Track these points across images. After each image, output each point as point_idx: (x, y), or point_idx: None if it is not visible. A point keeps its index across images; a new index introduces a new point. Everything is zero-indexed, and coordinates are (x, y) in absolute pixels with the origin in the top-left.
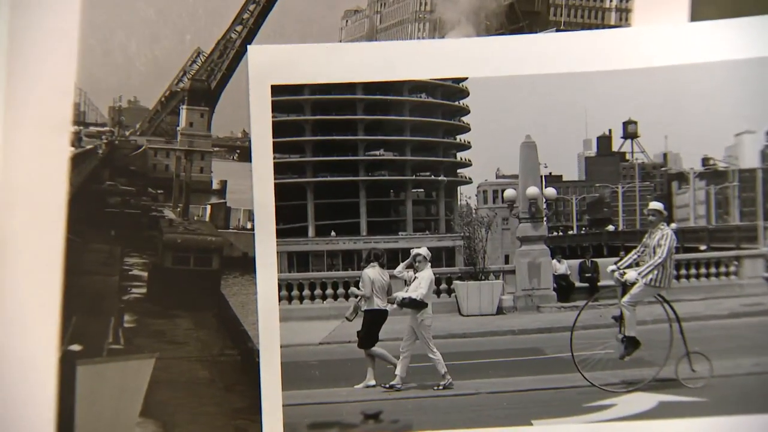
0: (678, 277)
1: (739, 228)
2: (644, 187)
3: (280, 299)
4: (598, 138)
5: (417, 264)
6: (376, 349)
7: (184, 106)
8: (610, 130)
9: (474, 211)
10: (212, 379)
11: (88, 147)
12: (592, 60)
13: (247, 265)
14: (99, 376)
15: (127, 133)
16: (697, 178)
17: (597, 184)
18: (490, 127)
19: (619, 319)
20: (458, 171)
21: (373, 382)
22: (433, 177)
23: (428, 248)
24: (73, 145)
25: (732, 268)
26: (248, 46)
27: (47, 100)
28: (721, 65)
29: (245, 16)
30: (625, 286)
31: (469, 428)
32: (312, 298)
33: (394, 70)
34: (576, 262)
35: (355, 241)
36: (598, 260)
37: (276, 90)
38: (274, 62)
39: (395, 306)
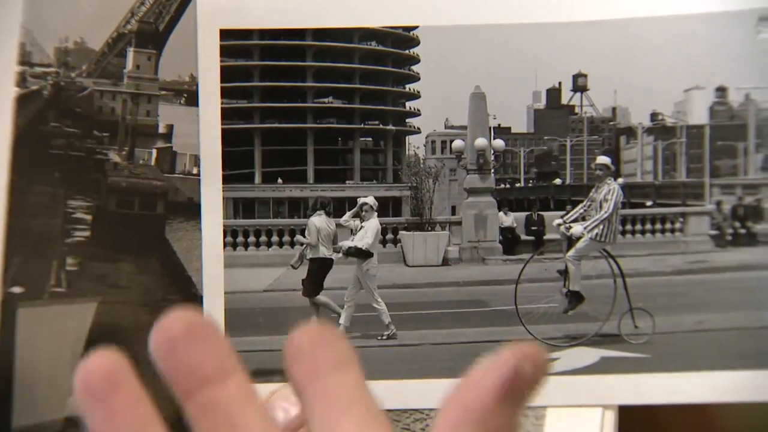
0: (624, 233)
1: (685, 185)
2: (592, 141)
3: (225, 245)
4: (548, 90)
5: (363, 213)
6: (321, 297)
7: (132, 49)
8: (559, 83)
9: (422, 161)
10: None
11: (33, 88)
12: (545, 11)
13: (192, 210)
14: (40, 319)
15: (73, 75)
16: (645, 133)
17: (545, 137)
18: (439, 77)
19: (564, 274)
20: (407, 120)
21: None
22: (381, 126)
23: (375, 198)
24: (17, 86)
25: (677, 225)
26: None
27: None
28: (672, 20)
29: None
30: (571, 241)
31: (412, 378)
32: (257, 245)
33: (345, 16)
34: (522, 215)
35: (301, 189)
36: (545, 214)
37: (225, 34)
38: (223, 6)
39: (341, 255)
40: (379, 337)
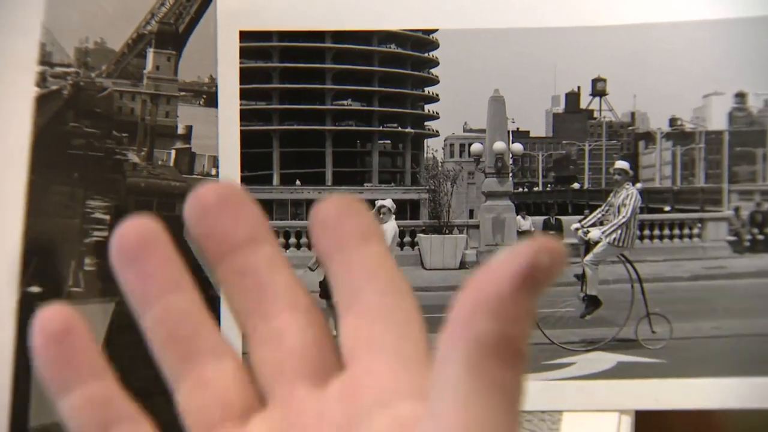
0: (641, 238)
1: (703, 190)
2: (611, 146)
3: None
4: (567, 94)
5: (381, 216)
6: None
7: (151, 49)
8: (578, 87)
9: (440, 164)
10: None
11: (53, 88)
12: (565, 15)
13: None
14: None
15: (93, 75)
16: (663, 138)
17: (564, 141)
18: (458, 80)
19: (581, 278)
20: (425, 123)
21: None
22: (400, 129)
23: (393, 200)
24: (38, 86)
25: (695, 231)
26: None
27: (13, 39)
28: (691, 25)
29: None
30: (589, 245)
31: None
32: None
33: (365, 18)
34: (540, 219)
35: (319, 191)
36: (563, 218)
37: (244, 36)
38: (243, 8)
39: None
40: None
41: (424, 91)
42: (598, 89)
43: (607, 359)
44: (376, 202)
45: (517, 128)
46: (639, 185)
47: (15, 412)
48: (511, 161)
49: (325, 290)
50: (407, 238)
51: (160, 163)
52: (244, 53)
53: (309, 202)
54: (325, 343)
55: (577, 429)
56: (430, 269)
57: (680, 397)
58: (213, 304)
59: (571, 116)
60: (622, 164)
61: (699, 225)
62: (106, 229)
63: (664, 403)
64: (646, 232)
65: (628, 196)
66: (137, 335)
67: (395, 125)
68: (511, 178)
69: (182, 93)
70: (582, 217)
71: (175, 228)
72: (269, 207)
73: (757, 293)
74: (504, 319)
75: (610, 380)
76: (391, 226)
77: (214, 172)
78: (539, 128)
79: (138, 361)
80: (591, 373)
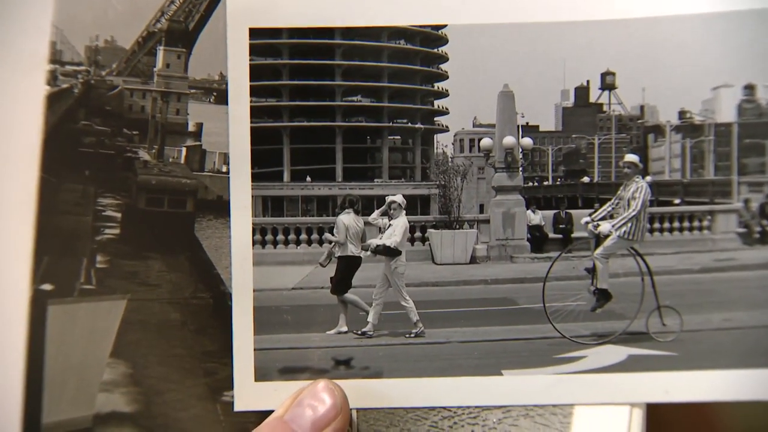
0: (651, 231)
1: (713, 182)
2: (620, 139)
3: (254, 243)
4: (576, 89)
5: (392, 211)
6: (349, 295)
7: (162, 47)
8: (588, 81)
9: (450, 159)
10: (184, 321)
11: (64, 86)
12: (573, 9)
13: (221, 208)
14: (70, 316)
15: (104, 73)
16: (673, 131)
17: (573, 135)
18: (468, 75)
19: (592, 271)
20: (435, 119)
21: (345, 329)
22: (410, 124)
23: (403, 196)
24: (48, 84)
25: (705, 223)
26: None
27: (23, 38)
28: (700, 18)
29: None
30: (599, 238)
31: (439, 376)
32: (286, 243)
33: (374, 15)
34: (550, 213)
35: (330, 187)
36: (573, 211)
37: (254, 33)
38: (252, 5)
39: (369, 253)
40: (407, 335)
41: (433, 86)
42: (608, 83)
43: (618, 352)
44: (386, 197)
45: (527, 123)
46: (649, 178)
47: (28, 409)
48: (520, 156)
49: (335, 286)
50: (418, 234)
51: (170, 160)
52: (254, 50)
53: (319, 199)
54: None
55: (589, 422)
56: (441, 264)
57: (691, 390)
58: (224, 299)
59: (581, 110)
60: (631, 157)
61: (709, 217)
62: (118, 227)
63: (675, 395)
64: (656, 225)
65: (638, 189)
66: (149, 332)
67: (405, 121)
68: (521, 173)
69: (192, 90)
70: (592, 210)
71: (186, 224)
72: (280, 203)
73: (766, 285)
74: None
75: (621, 373)
76: (402, 222)
77: (224, 169)
78: (549, 122)
79: (149, 358)
80: (602, 367)
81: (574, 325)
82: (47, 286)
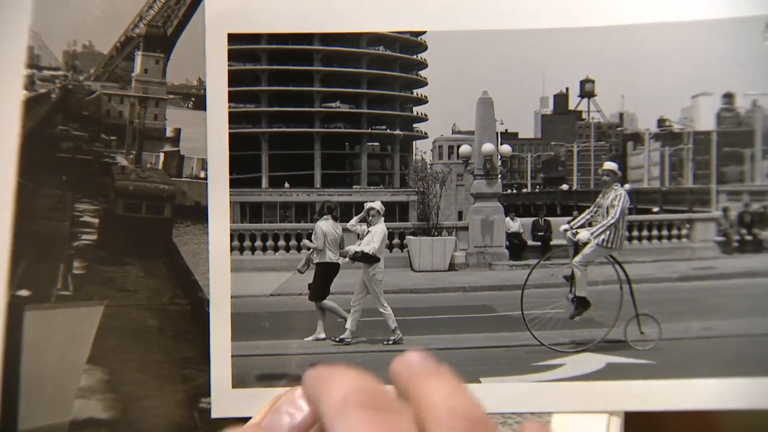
0: (630, 239)
1: (692, 191)
2: (599, 147)
3: (231, 249)
4: (555, 96)
5: (370, 218)
6: (327, 302)
7: (140, 52)
8: (567, 89)
9: (429, 166)
10: (161, 327)
11: (42, 91)
12: (552, 17)
13: (199, 214)
14: (47, 322)
15: (81, 78)
16: (652, 139)
17: (552, 143)
18: (447, 82)
19: (571, 279)
20: (414, 125)
21: (323, 335)
22: (388, 131)
23: (382, 202)
24: (26, 89)
25: (684, 231)
26: None
27: (0, 43)
28: (679, 26)
29: None
30: (578, 246)
31: None
32: (264, 249)
33: (353, 21)
34: (529, 221)
35: (308, 193)
36: (552, 219)
37: (232, 39)
38: (231, 10)
39: (347, 259)
40: (386, 342)
41: (412, 93)
42: (587, 90)
43: (597, 360)
44: (365, 204)
45: (506, 130)
46: (627, 186)
47: (4, 415)
48: (499, 163)
49: (313, 292)
50: (396, 240)
51: (148, 166)
52: (233, 56)
53: (298, 205)
54: None
55: (567, 430)
56: (420, 271)
57: (669, 398)
58: (201, 306)
59: (560, 117)
60: (610, 165)
61: (687, 226)
62: (95, 233)
63: (653, 403)
64: (635, 233)
65: (617, 197)
66: (126, 338)
67: (384, 127)
68: (500, 180)
69: (171, 96)
70: (571, 218)
71: (163, 230)
72: (258, 210)
73: (745, 293)
74: None
75: (600, 381)
76: (380, 229)
77: (202, 174)
78: (528, 130)
79: (127, 365)
80: (580, 374)
81: (553, 333)
82: (24, 292)
